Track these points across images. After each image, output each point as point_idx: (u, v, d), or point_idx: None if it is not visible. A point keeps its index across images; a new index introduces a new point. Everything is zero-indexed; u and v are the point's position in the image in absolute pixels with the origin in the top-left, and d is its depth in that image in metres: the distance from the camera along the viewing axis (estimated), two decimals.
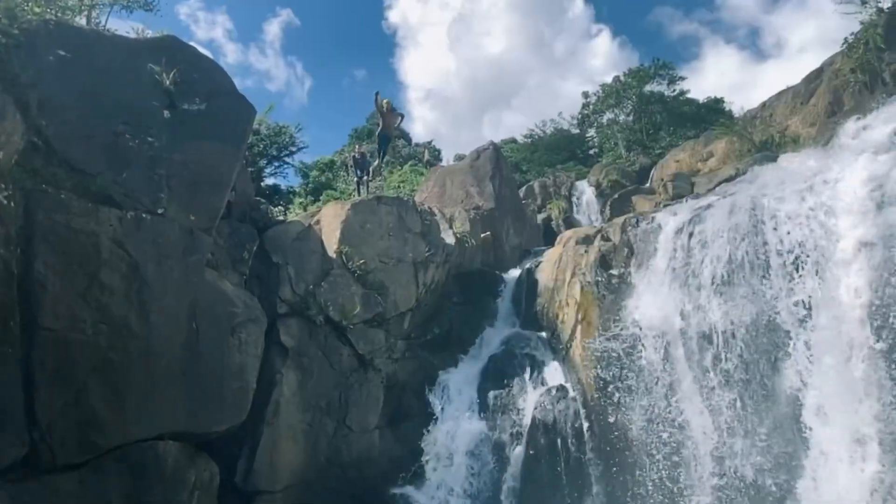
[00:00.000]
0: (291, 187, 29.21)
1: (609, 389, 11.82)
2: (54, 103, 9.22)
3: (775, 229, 10.64)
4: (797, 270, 10.13)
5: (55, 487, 7.59)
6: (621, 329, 12.05)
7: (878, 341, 8.89)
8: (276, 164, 25.26)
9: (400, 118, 20.41)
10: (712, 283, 11.29)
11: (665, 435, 10.96)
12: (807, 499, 9.34)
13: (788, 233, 10.45)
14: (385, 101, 19.26)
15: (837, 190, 10.35)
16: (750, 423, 10.20)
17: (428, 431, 12.94)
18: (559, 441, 12.09)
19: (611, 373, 11.91)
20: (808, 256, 10.09)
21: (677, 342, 11.33)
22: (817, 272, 9.90)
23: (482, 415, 13.13)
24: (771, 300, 10.34)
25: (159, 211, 9.52)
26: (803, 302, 10.02)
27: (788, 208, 10.71)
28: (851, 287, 9.36)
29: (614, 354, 11.94)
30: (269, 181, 26.25)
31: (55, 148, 9.07)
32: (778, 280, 10.39)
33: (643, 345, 11.73)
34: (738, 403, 10.39)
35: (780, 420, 9.94)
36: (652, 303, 12.03)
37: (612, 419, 11.63)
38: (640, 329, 11.88)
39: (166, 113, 10.44)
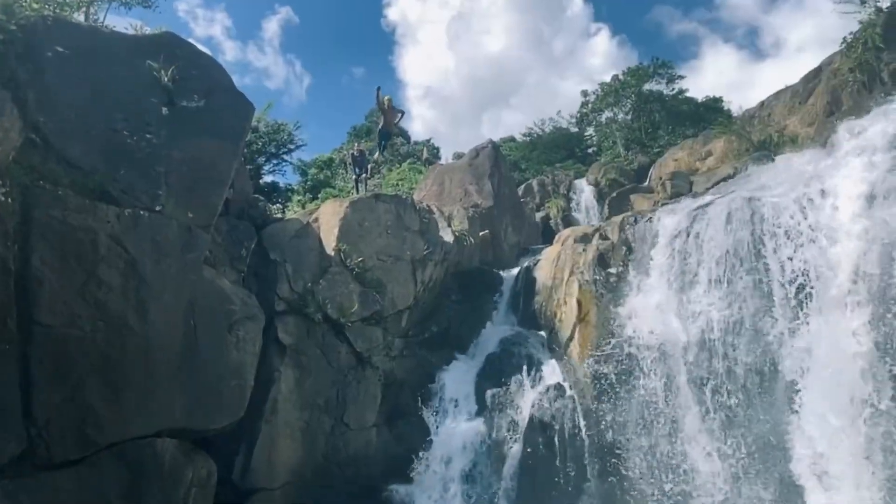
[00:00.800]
0: (290, 185, 29.16)
1: (606, 388, 11.85)
2: (52, 100, 9.20)
3: (776, 251, 10.63)
4: (800, 308, 10.09)
5: (52, 484, 7.58)
6: (618, 325, 12.08)
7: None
8: (275, 161, 25.20)
9: (400, 115, 20.46)
10: (709, 282, 11.34)
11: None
12: None
13: (790, 259, 10.43)
14: (386, 97, 19.33)
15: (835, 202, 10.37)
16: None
17: (425, 429, 12.94)
18: (556, 439, 12.10)
19: (608, 371, 11.94)
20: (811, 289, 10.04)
21: (675, 347, 11.35)
22: (820, 310, 9.85)
23: (480, 413, 13.14)
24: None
25: (157, 208, 9.50)
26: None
27: (787, 223, 10.71)
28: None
29: (612, 352, 11.96)
30: (268, 179, 26.21)
31: (53, 144, 9.06)
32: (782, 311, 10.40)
33: (640, 346, 11.76)
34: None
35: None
36: (649, 302, 12.07)
37: (609, 418, 11.65)
38: (638, 327, 11.92)
39: (164, 110, 10.42)
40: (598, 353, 12.16)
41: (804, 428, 9.52)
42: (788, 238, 10.67)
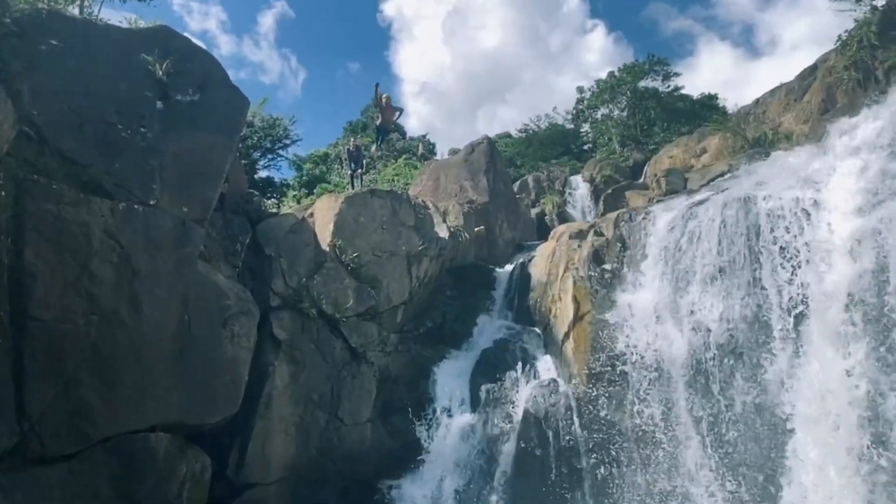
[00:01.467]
0: (285, 180, 29.15)
1: (601, 383, 11.89)
2: (46, 92, 9.15)
3: (770, 255, 10.68)
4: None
5: (45, 478, 7.56)
6: (613, 321, 12.11)
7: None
8: (270, 156, 25.20)
9: (399, 113, 20.47)
10: (703, 279, 11.38)
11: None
12: None
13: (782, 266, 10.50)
14: (384, 95, 19.37)
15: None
16: None
17: (420, 425, 12.96)
18: (551, 434, 12.13)
19: (603, 367, 11.97)
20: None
21: (669, 344, 11.39)
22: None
23: (474, 408, 13.17)
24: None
25: (151, 202, 9.47)
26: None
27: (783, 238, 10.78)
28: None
29: (606, 348, 12.00)
30: (263, 174, 26.21)
31: (47, 137, 9.01)
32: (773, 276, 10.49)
33: (635, 339, 11.81)
34: None
35: None
36: (644, 299, 12.10)
37: (603, 413, 11.70)
38: (633, 323, 11.96)
39: (159, 104, 10.38)
40: (593, 349, 12.19)
41: None
42: (783, 247, 10.74)
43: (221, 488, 10.92)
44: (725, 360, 10.72)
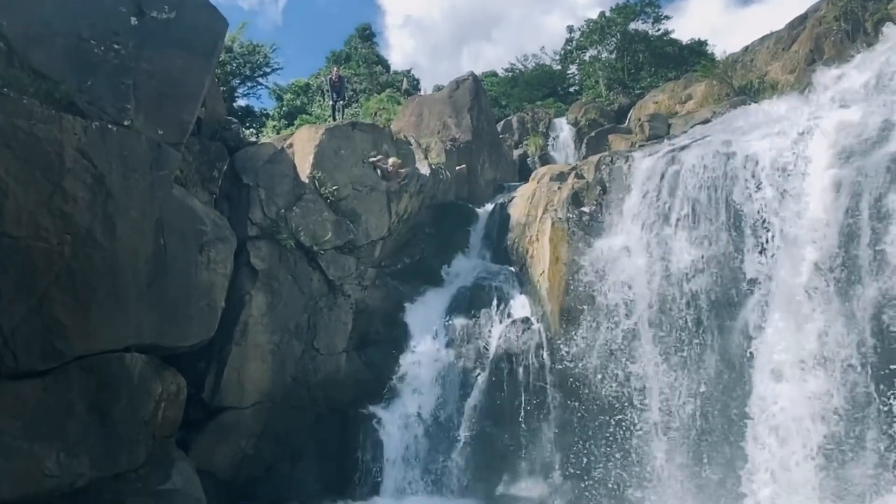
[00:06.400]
0: (265, 110, 28.54)
1: (572, 323, 12.15)
2: (16, 4, 8.80)
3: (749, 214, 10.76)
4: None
5: (18, 393, 7.63)
6: (588, 263, 12.27)
7: None
8: (250, 84, 24.57)
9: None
10: (679, 225, 11.53)
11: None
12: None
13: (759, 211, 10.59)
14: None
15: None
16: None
17: (394, 357, 13.20)
18: (521, 371, 12.48)
19: (574, 307, 12.20)
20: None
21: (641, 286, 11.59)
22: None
23: (448, 344, 13.42)
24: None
25: (125, 122, 9.23)
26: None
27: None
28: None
29: (580, 289, 12.21)
30: (242, 102, 25.61)
31: (17, 50, 8.71)
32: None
33: (608, 281, 12.00)
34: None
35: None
36: (620, 242, 12.25)
37: (573, 351, 11.99)
38: (608, 266, 12.14)
39: (133, 20, 10.00)
40: (567, 290, 12.39)
41: None
42: (760, 196, 10.82)
43: (197, 411, 11.13)
44: (695, 304, 10.98)
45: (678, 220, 11.60)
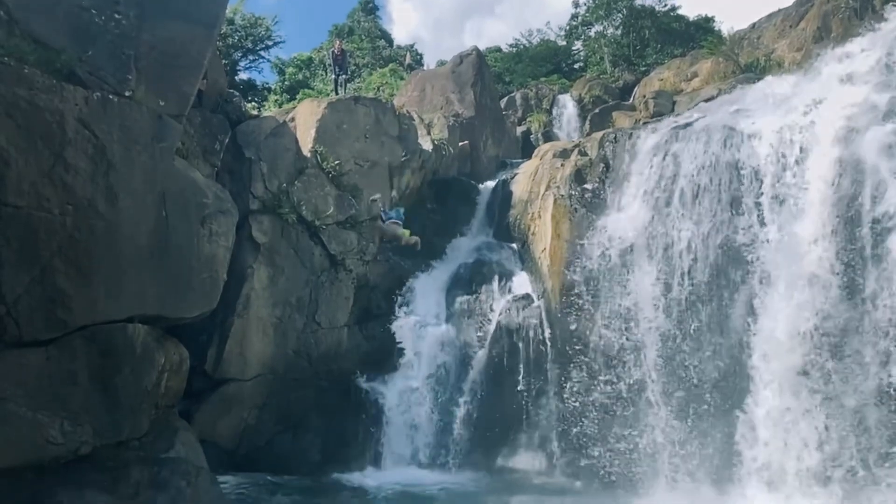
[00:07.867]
0: (267, 84, 28.38)
1: (573, 299, 12.19)
2: None
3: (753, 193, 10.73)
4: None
5: (21, 362, 7.67)
6: (591, 242, 12.28)
7: None
8: (252, 57, 24.47)
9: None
10: (682, 203, 11.52)
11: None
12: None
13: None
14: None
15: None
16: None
17: (395, 332, 13.26)
18: (521, 346, 12.57)
19: (576, 284, 12.24)
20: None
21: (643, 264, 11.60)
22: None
23: (449, 319, 13.50)
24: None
25: (126, 93, 9.16)
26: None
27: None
28: None
29: (583, 266, 12.23)
30: (244, 75, 25.50)
31: (16, 18, 8.59)
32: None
33: (611, 258, 12.02)
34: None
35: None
36: (623, 220, 12.24)
37: (573, 327, 12.05)
38: (609, 243, 12.15)
39: None
40: (568, 266, 12.42)
41: None
42: (764, 174, 10.82)
43: (200, 382, 11.24)
44: (696, 282, 11.01)
45: (681, 196, 11.59)
